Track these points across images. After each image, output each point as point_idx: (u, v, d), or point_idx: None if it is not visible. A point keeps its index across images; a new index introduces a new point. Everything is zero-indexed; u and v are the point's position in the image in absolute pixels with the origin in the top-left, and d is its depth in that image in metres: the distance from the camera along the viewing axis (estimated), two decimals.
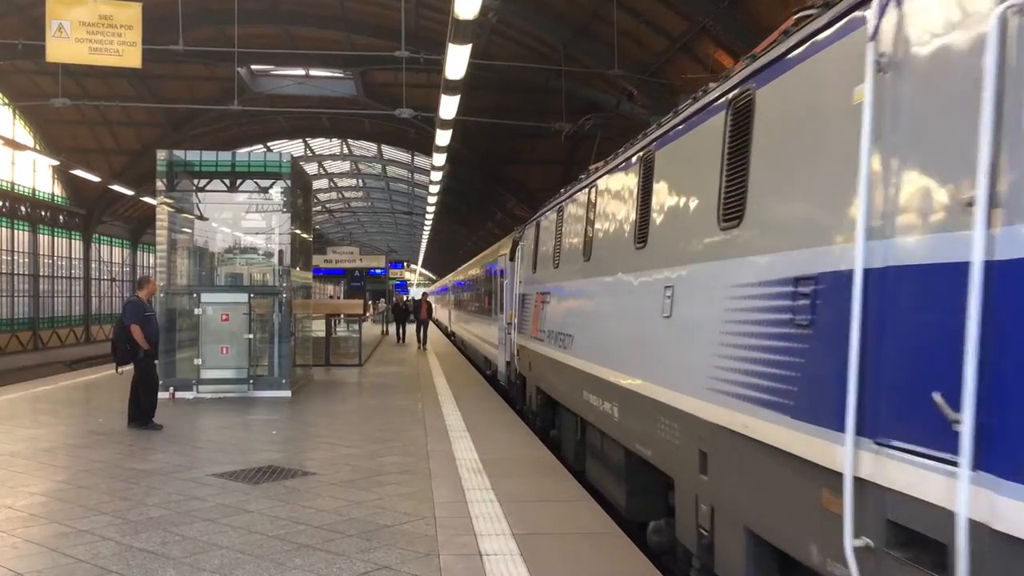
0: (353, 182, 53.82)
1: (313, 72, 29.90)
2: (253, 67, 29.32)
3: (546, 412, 11.42)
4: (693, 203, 5.33)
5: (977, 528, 2.57)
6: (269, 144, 38.78)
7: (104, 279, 42.33)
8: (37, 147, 32.64)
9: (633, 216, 6.63)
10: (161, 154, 14.71)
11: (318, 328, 21.07)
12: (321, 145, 42.98)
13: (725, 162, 4.75)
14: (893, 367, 3.05)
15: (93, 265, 40.50)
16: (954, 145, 2.80)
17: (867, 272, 3.15)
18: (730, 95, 4.81)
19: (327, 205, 59.99)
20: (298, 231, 16.06)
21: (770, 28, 9.99)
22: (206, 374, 13.76)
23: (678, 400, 5.25)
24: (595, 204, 8.27)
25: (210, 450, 9.28)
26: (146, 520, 6.24)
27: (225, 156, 16.02)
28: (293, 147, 40.25)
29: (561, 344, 9.42)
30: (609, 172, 7.85)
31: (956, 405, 2.64)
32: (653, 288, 5.92)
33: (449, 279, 46.83)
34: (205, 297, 13.86)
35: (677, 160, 5.84)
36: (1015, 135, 2.54)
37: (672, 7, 17.93)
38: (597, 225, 8.05)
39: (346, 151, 44.05)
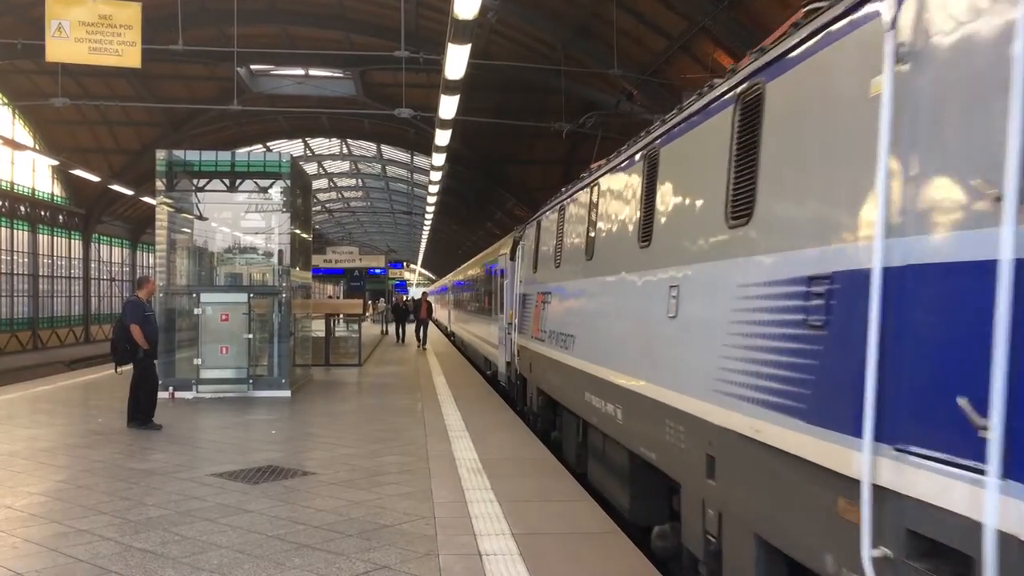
0: (353, 182, 53.82)
1: (312, 72, 29.91)
2: (252, 67, 29.34)
3: (547, 413, 11.31)
4: (699, 201, 5.21)
5: (1006, 540, 2.46)
6: (269, 144, 38.80)
7: (103, 279, 42.32)
8: (37, 147, 32.64)
9: (637, 215, 6.51)
10: (160, 154, 14.72)
11: (318, 328, 21.07)
12: (320, 145, 43.00)
13: (733, 158, 4.63)
14: (914, 370, 2.92)
15: (92, 265, 40.49)
16: (980, 137, 2.68)
17: (886, 271, 3.03)
18: (738, 90, 4.69)
19: (326, 205, 59.99)
20: (297, 231, 16.06)
21: (770, 28, 9.99)
22: (205, 374, 13.76)
23: (684, 402, 5.13)
24: (597, 203, 8.13)
25: (209, 450, 9.28)
26: (145, 520, 6.24)
27: (225, 156, 16.01)
28: (292, 147, 40.27)
29: (562, 345, 9.31)
30: (612, 170, 7.72)
31: (983, 410, 2.52)
32: (658, 288, 5.80)
33: (449, 279, 46.81)
34: (204, 297, 13.85)
35: (683, 157, 5.71)
36: None
37: (671, 7, 17.94)
38: (599, 224, 7.94)
39: (346, 151, 44.06)
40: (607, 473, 7.64)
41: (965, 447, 2.63)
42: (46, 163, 33.42)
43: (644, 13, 18.74)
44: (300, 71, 29.93)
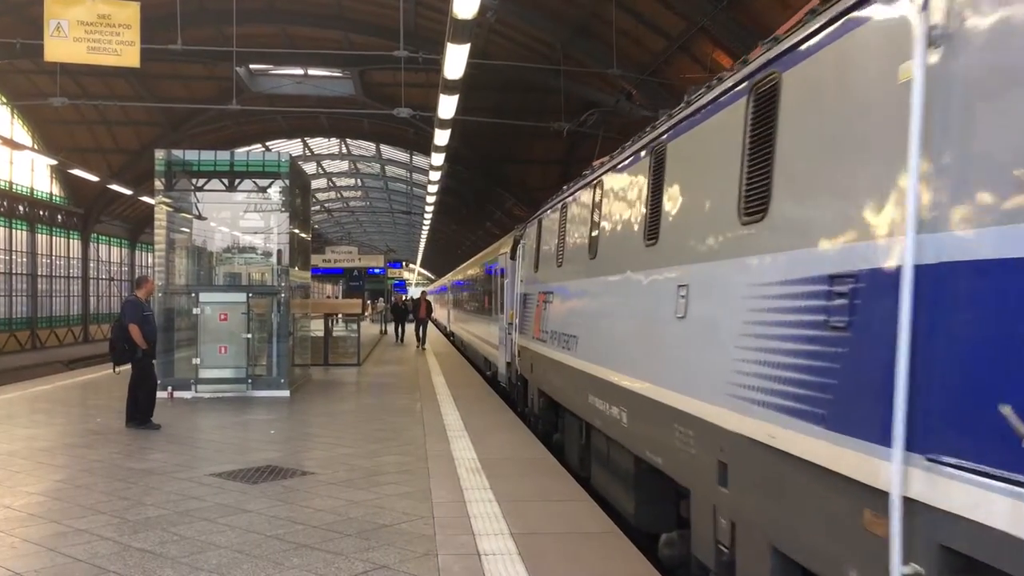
0: (352, 181, 53.80)
1: (312, 71, 29.89)
2: (251, 66, 29.31)
3: (549, 415, 11.13)
4: (709, 197, 5.00)
5: None
6: (268, 143, 38.79)
7: (102, 279, 42.29)
8: (35, 146, 32.62)
9: (643, 212, 6.33)
10: (159, 153, 14.72)
11: (316, 328, 21.06)
12: (320, 145, 42.98)
13: (746, 152, 4.43)
14: (950, 375, 2.74)
15: (91, 264, 40.47)
16: (1021, 124, 2.53)
17: (918, 268, 2.86)
18: (752, 80, 4.49)
19: (325, 204, 59.98)
20: (296, 231, 16.05)
21: (769, 28, 9.98)
22: (204, 374, 13.76)
23: (693, 406, 4.94)
24: (601, 200, 7.93)
25: (208, 450, 9.27)
26: (144, 520, 6.24)
27: (224, 156, 15.99)
28: (292, 146, 40.26)
29: (565, 345, 9.14)
30: (616, 166, 7.55)
31: None
32: (665, 287, 5.62)
33: (448, 278, 46.79)
34: (203, 297, 13.85)
35: (691, 152, 5.51)
36: None
37: (671, 7, 17.94)
38: (603, 222, 7.74)
39: (345, 151, 44.05)
40: (611, 477, 7.46)
41: (1007, 457, 2.47)
42: (45, 163, 33.40)
43: (643, 13, 18.74)
44: (299, 71, 29.92)
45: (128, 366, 10.65)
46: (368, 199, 60.08)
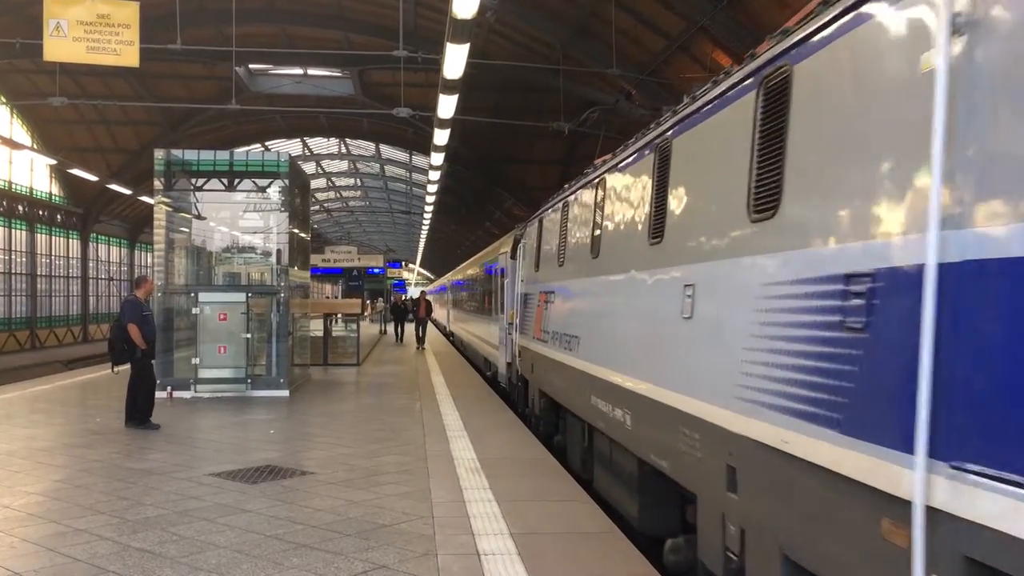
0: (351, 181, 53.80)
1: (311, 71, 29.88)
2: (251, 66, 29.30)
3: (550, 416, 11.00)
4: (717, 194, 4.86)
5: None
6: (267, 143, 38.77)
7: (102, 278, 42.28)
8: (35, 146, 32.60)
9: (647, 210, 6.19)
10: (159, 153, 14.72)
11: (316, 327, 21.06)
12: (319, 144, 42.97)
13: (756, 147, 4.32)
14: (976, 378, 2.63)
15: (91, 264, 40.45)
16: None
17: (941, 267, 2.74)
18: (762, 74, 4.37)
19: (325, 204, 59.98)
20: (296, 230, 16.05)
21: (769, 28, 9.98)
22: (204, 373, 13.75)
23: (700, 408, 4.82)
24: (604, 198, 7.79)
25: (208, 450, 9.27)
26: (143, 519, 6.23)
27: (223, 155, 15.99)
28: (291, 146, 40.25)
29: (566, 346, 9.03)
30: (619, 164, 7.42)
31: None
32: (671, 286, 5.49)
33: (447, 278, 46.78)
34: (203, 296, 13.84)
35: (698, 147, 5.38)
36: None
37: (670, 7, 17.94)
38: (606, 221, 7.61)
39: (344, 150, 44.05)
40: (614, 481, 7.32)
41: None
42: (44, 162, 33.39)
43: (643, 13, 18.74)
44: (299, 70, 29.91)
45: (127, 366, 10.65)
46: (367, 199, 60.08)
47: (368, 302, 44.23)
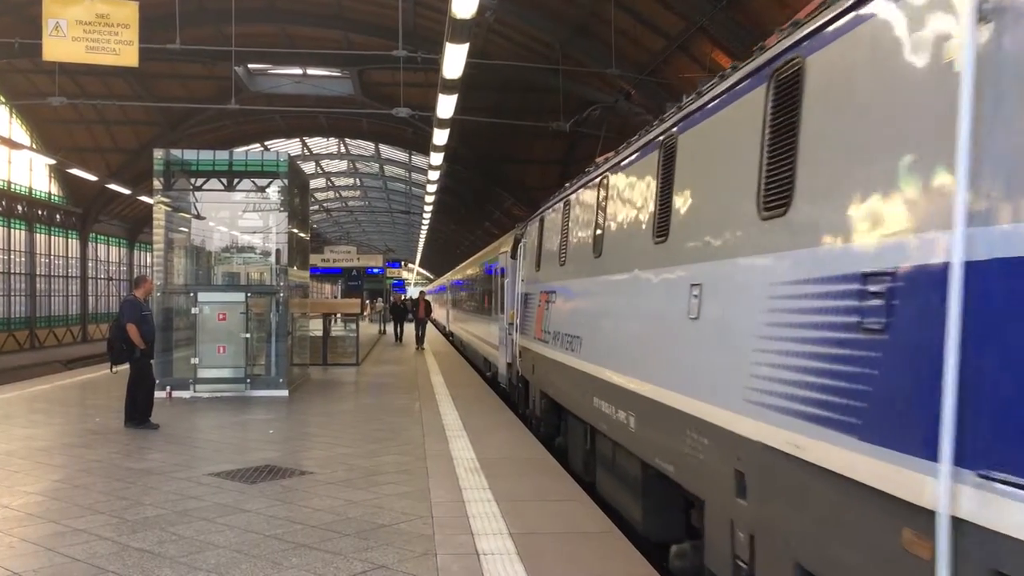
0: (350, 181, 53.81)
1: (310, 71, 29.88)
2: (250, 66, 29.30)
3: (551, 418, 10.86)
4: (725, 190, 4.73)
5: None
6: (266, 143, 38.77)
7: (101, 278, 42.27)
8: (34, 146, 32.59)
9: (651, 208, 6.06)
10: (158, 153, 14.73)
11: (315, 327, 21.07)
12: (318, 144, 42.97)
13: (766, 142, 4.19)
14: (1005, 382, 2.51)
15: (90, 264, 40.44)
16: None
17: (968, 265, 2.63)
18: (772, 67, 4.24)
19: (324, 204, 59.97)
20: (295, 230, 16.04)
21: (768, 28, 9.98)
22: (203, 373, 13.74)
23: (707, 411, 4.70)
24: (607, 197, 7.66)
25: (207, 449, 9.26)
26: (143, 519, 6.23)
27: (222, 155, 16.01)
28: (290, 146, 40.24)
29: (568, 347, 8.92)
30: (623, 161, 7.28)
31: None
32: (676, 286, 5.37)
33: (447, 278, 46.77)
34: (202, 296, 13.84)
35: (705, 143, 5.25)
36: None
37: (670, 7, 17.94)
38: (609, 219, 7.47)
39: (343, 150, 44.05)
40: (618, 484, 7.19)
41: None
42: (43, 162, 33.37)
43: (642, 13, 18.74)
44: (298, 70, 29.92)
45: (126, 366, 10.65)
46: (367, 199, 60.09)
47: (367, 302, 44.23)
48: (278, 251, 15.23)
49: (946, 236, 2.73)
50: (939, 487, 2.65)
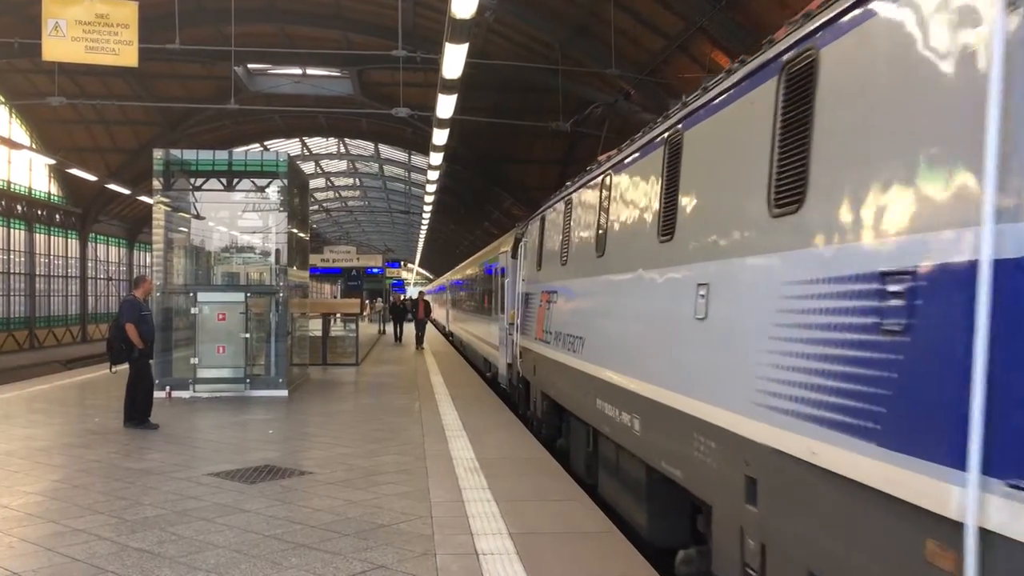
0: (350, 181, 53.81)
1: (310, 71, 29.89)
2: (250, 66, 29.29)
3: (552, 419, 10.61)
4: (734, 187, 4.60)
5: None
6: (266, 143, 38.77)
7: (100, 278, 42.26)
8: (33, 146, 32.59)
9: (656, 206, 5.92)
10: (158, 153, 14.72)
11: (315, 327, 21.08)
12: (318, 144, 42.98)
13: (778, 137, 4.07)
14: None
15: (89, 264, 40.44)
16: None
17: (997, 264, 2.52)
18: (784, 59, 4.11)
19: (324, 204, 59.97)
20: (295, 230, 16.04)
21: (768, 28, 9.98)
22: (202, 373, 13.74)
23: (714, 415, 4.58)
24: (610, 195, 7.53)
25: (206, 449, 9.26)
26: (142, 519, 6.23)
27: (222, 155, 16.00)
28: (290, 146, 40.25)
29: (570, 347, 8.80)
30: (626, 158, 7.14)
31: None
32: (683, 286, 5.24)
33: (447, 278, 46.76)
34: (201, 296, 13.84)
35: (712, 139, 5.11)
36: None
37: (669, 7, 17.95)
38: (612, 218, 7.33)
39: (343, 150, 44.06)
40: (621, 487, 7.06)
41: None
42: (43, 162, 33.37)
43: (642, 13, 18.75)
44: (298, 70, 29.92)
45: (125, 366, 10.65)
46: (366, 199, 60.09)
47: (367, 302, 44.25)
48: (278, 251, 15.23)
49: (971, 233, 2.62)
50: (967, 497, 2.55)
